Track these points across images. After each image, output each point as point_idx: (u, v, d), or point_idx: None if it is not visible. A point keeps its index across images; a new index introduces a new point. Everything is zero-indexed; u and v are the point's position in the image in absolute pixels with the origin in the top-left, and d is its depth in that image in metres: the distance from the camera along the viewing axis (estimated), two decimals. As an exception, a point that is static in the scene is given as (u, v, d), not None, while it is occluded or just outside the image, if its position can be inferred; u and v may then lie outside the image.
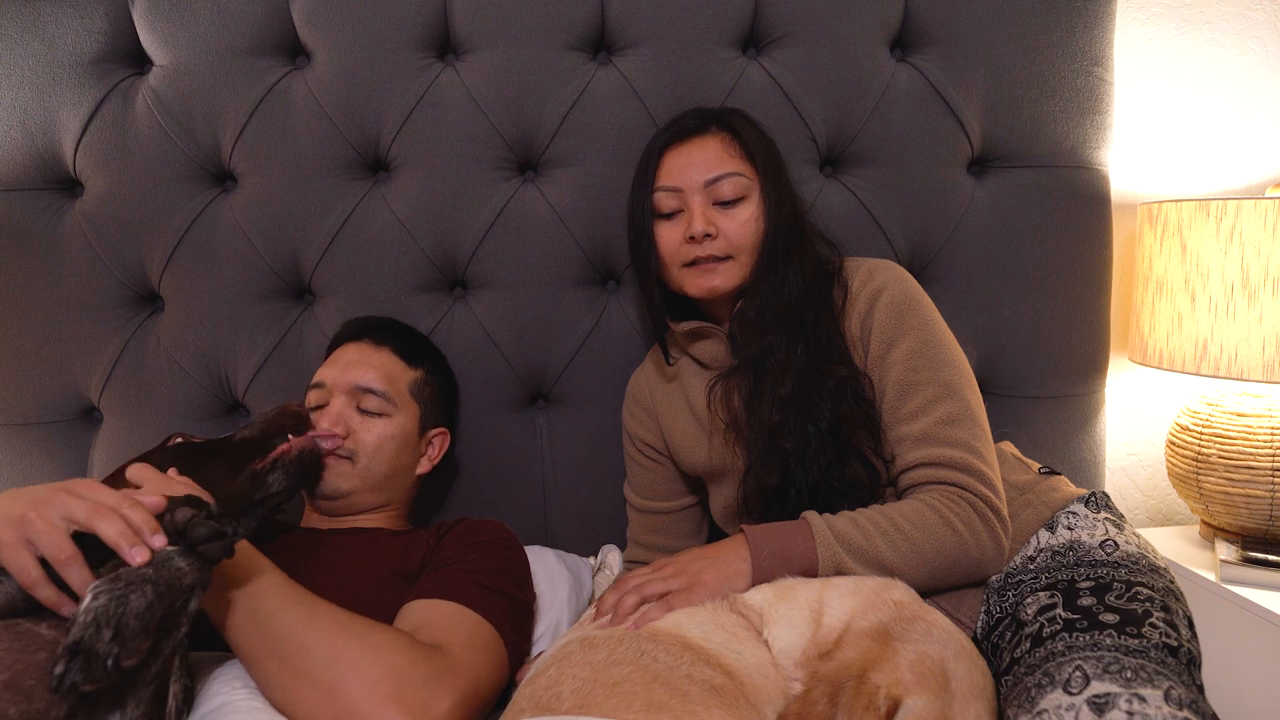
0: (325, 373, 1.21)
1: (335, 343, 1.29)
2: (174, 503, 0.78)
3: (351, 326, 1.29)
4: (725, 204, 1.13)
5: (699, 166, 1.13)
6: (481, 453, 1.43)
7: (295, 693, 0.82)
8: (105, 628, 0.64)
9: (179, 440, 1.03)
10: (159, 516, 0.76)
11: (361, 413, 1.18)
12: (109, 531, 0.72)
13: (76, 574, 0.72)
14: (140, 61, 1.39)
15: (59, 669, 0.62)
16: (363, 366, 1.20)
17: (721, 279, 1.13)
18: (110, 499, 0.75)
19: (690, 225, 1.11)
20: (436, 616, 0.94)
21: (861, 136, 1.43)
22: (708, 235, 1.11)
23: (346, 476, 1.16)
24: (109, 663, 0.64)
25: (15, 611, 0.74)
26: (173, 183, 1.37)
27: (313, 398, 1.20)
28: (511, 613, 1.02)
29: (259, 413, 1.00)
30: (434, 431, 1.27)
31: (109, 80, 1.36)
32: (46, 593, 0.72)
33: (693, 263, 1.13)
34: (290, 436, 1.10)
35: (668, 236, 1.15)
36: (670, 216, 1.15)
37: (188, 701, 0.83)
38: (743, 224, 1.12)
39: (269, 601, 0.85)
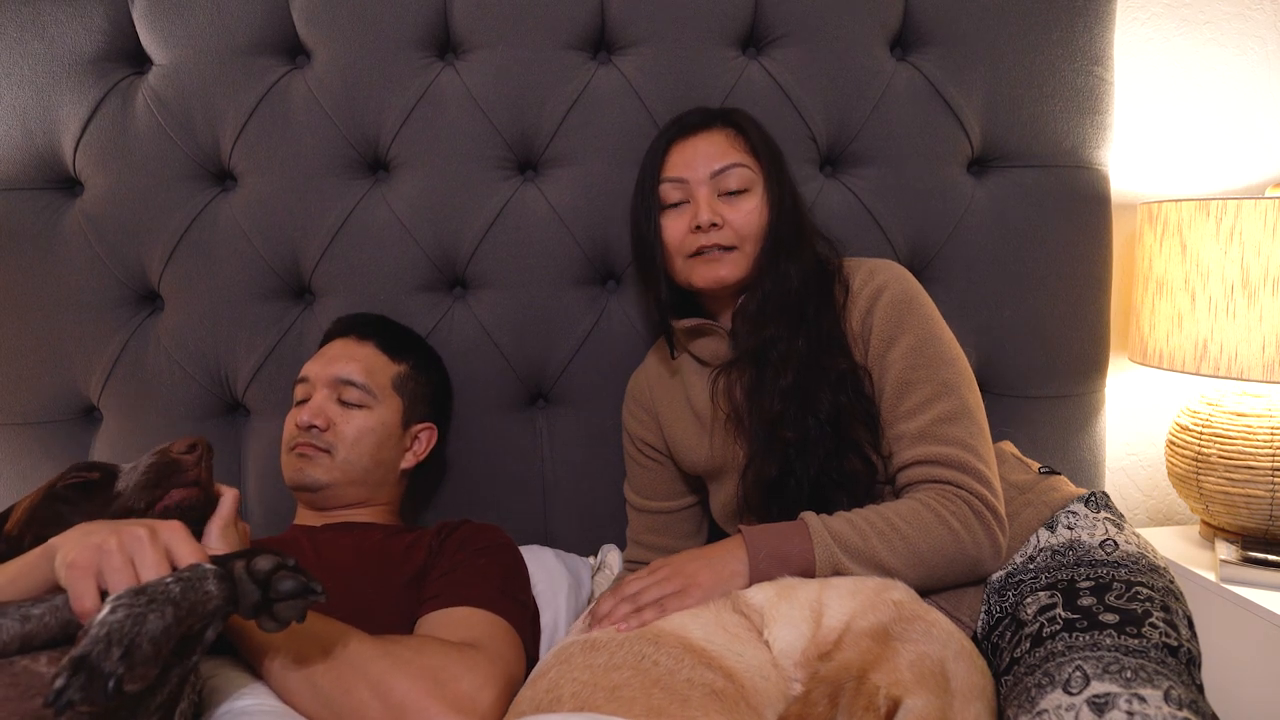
0: (310, 367, 1.23)
1: (325, 339, 1.31)
2: (251, 551, 0.74)
3: (340, 323, 1.31)
4: (730, 195, 1.14)
5: (705, 158, 1.15)
6: (481, 453, 1.43)
7: (345, 688, 0.82)
8: (115, 646, 0.60)
9: (74, 481, 0.92)
10: (231, 558, 0.72)
11: (342, 405, 1.19)
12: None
13: None
14: (140, 61, 1.39)
15: (59, 682, 0.58)
16: (344, 360, 1.21)
17: (728, 269, 1.14)
18: (186, 554, 0.72)
19: (697, 214, 1.13)
20: (463, 620, 0.96)
21: (861, 136, 1.43)
22: (714, 225, 1.12)
23: (326, 469, 1.16)
24: (111, 683, 0.59)
25: (7, 651, 0.69)
26: (172, 182, 1.37)
27: (298, 392, 1.23)
28: (527, 619, 1.04)
29: (144, 457, 0.93)
30: (419, 426, 1.27)
31: (109, 80, 1.36)
32: None
33: (697, 253, 1.14)
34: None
35: (673, 227, 1.16)
36: (675, 207, 1.16)
37: (196, 718, 0.80)
38: (747, 214, 1.14)
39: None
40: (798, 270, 1.13)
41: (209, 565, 0.70)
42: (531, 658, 1.03)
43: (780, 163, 1.19)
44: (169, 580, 0.67)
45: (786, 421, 1.08)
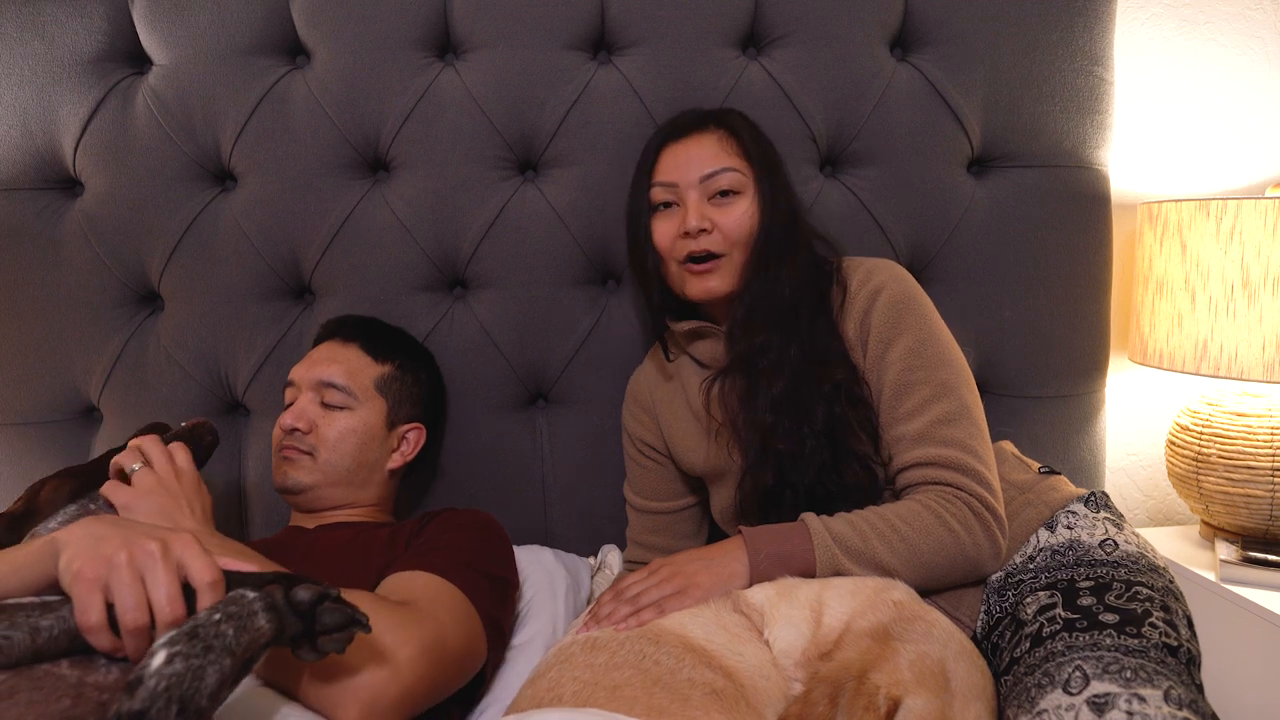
0: (296, 371, 1.24)
1: (315, 343, 1.31)
2: (287, 579, 0.71)
3: (327, 326, 1.31)
4: (720, 198, 1.13)
5: (695, 162, 1.14)
6: (481, 453, 1.43)
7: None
8: (174, 703, 0.57)
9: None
10: (260, 580, 0.70)
11: (325, 407, 1.20)
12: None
13: (136, 647, 0.66)
14: (140, 61, 1.39)
15: None
16: (327, 362, 1.22)
17: (718, 280, 1.13)
18: (204, 578, 0.68)
19: (685, 220, 1.12)
20: (407, 582, 0.95)
21: (861, 136, 1.43)
22: (703, 230, 1.11)
23: (308, 471, 1.17)
24: None
25: (21, 663, 0.67)
26: (172, 182, 1.37)
27: (287, 395, 1.24)
28: (488, 587, 1.03)
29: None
30: (406, 427, 1.27)
31: (109, 80, 1.36)
32: (103, 641, 0.67)
33: (688, 259, 1.13)
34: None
35: (663, 230, 1.16)
36: (666, 209, 1.16)
37: None
38: (737, 218, 1.13)
39: None
40: (789, 275, 1.12)
41: (251, 594, 0.67)
42: (502, 627, 1.03)
43: (774, 166, 1.17)
44: (219, 619, 0.63)
45: (779, 433, 1.08)
